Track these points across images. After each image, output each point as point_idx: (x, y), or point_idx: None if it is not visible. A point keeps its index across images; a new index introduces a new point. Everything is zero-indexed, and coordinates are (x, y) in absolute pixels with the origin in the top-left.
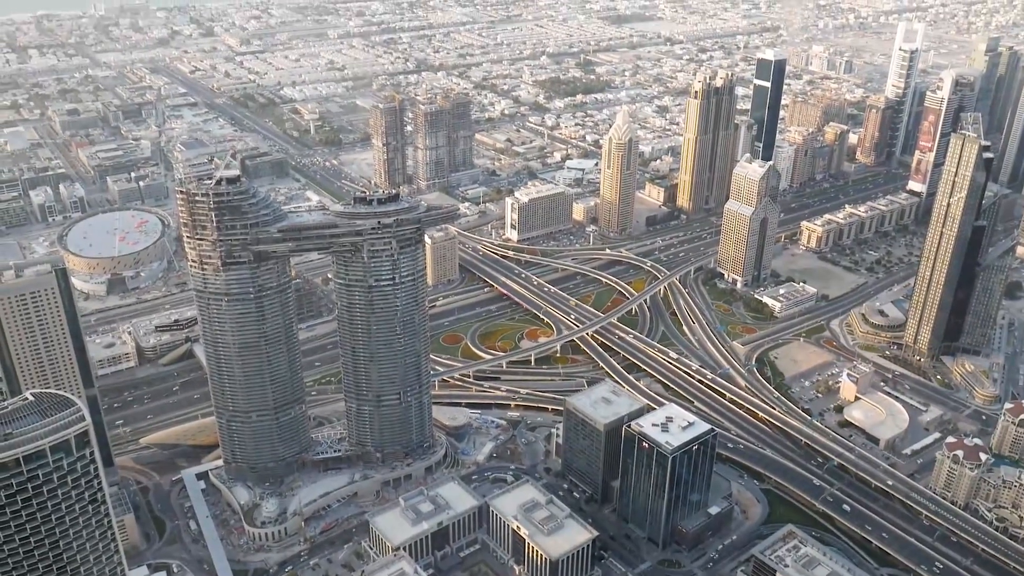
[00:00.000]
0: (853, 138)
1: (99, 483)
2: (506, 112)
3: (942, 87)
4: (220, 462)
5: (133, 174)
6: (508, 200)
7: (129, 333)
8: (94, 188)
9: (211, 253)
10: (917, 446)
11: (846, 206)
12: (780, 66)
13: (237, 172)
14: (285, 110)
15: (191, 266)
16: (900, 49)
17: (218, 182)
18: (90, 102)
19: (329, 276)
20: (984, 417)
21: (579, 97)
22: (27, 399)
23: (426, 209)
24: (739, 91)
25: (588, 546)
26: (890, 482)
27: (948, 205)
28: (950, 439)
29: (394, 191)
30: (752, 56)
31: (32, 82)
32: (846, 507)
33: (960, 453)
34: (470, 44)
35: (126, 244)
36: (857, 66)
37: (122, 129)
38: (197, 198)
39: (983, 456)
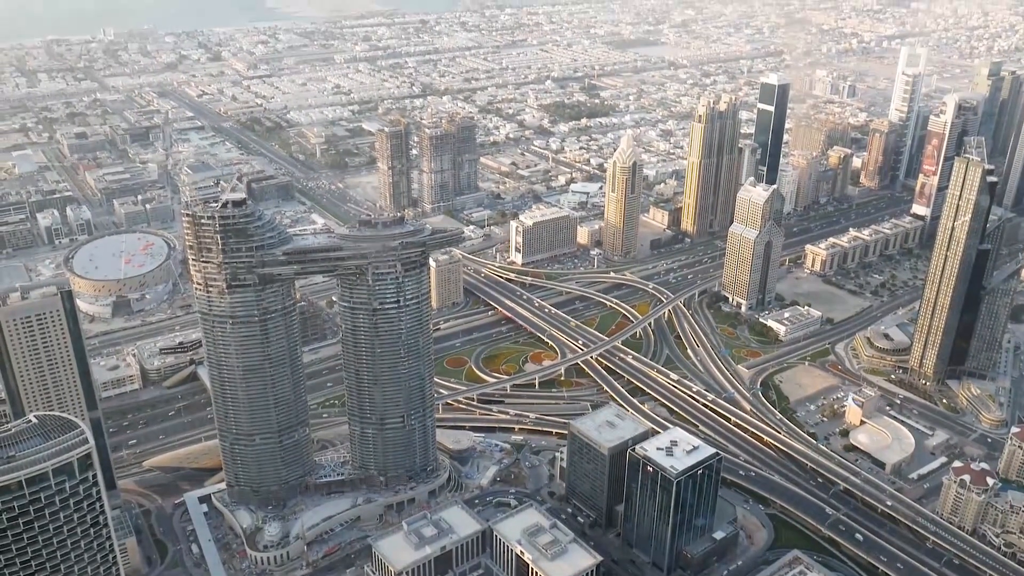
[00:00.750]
0: (857, 162)
1: (101, 506)
2: (511, 136)
3: (945, 111)
4: (223, 485)
5: (140, 197)
6: (513, 223)
7: (133, 355)
8: (101, 211)
9: (216, 276)
10: (923, 470)
11: (850, 230)
12: (784, 90)
13: (243, 195)
14: (291, 133)
15: (196, 288)
16: (903, 73)
17: (224, 205)
18: (98, 125)
19: (334, 299)
20: (990, 441)
21: (583, 121)
22: (30, 421)
23: (431, 232)
24: (743, 115)
25: (592, 571)
26: (897, 507)
27: (952, 229)
28: (957, 463)
29: (399, 214)
30: (756, 80)
31: (41, 106)
32: (858, 536)
33: (967, 478)
34: (475, 68)
35: (132, 266)
36: (860, 90)
37: (129, 152)
38: (203, 221)
39: (990, 481)
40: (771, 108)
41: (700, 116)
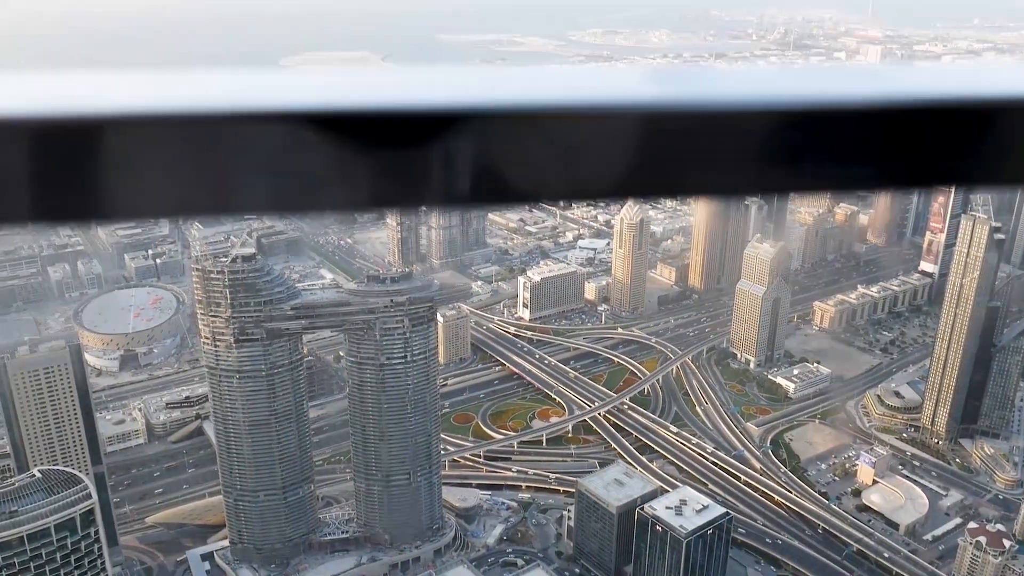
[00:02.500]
0: (864, 219)
1: (103, 563)
2: None
3: None
4: (226, 542)
5: (150, 251)
6: (520, 279)
7: (140, 410)
8: (111, 265)
9: (224, 330)
10: (938, 531)
11: (858, 286)
12: None
13: (252, 250)
14: None
15: (204, 343)
16: None
17: (234, 260)
18: None
19: (341, 353)
20: (1004, 499)
21: None
22: (34, 476)
23: (439, 288)
24: None
25: None
26: (912, 569)
27: (961, 286)
28: (972, 525)
29: (407, 269)
30: None
31: None
32: None
33: (983, 539)
34: None
35: (140, 320)
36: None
37: None
38: (212, 275)
39: (1007, 543)
40: None
41: None
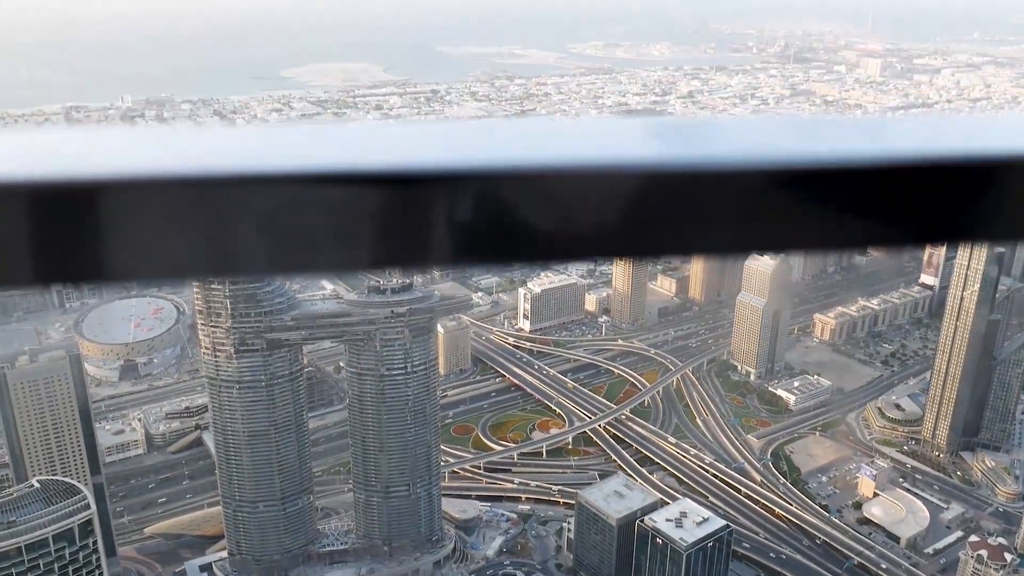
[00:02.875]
0: None
1: (101, 574)
2: None
3: None
4: (224, 554)
5: None
6: (521, 290)
7: (139, 420)
8: None
9: (224, 340)
10: (939, 545)
11: (859, 299)
12: None
13: None
14: None
15: (204, 353)
16: None
17: None
18: None
19: (341, 364)
20: (1005, 512)
21: None
22: (33, 486)
23: (439, 299)
24: None
25: None
26: None
27: (961, 299)
28: (973, 538)
29: (407, 281)
30: None
31: None
32: None
33: (984, 553)
34: None
35: (141, 330)
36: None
37: None
38: (213, 285)
39: (1008, 556)
40: None
41: None
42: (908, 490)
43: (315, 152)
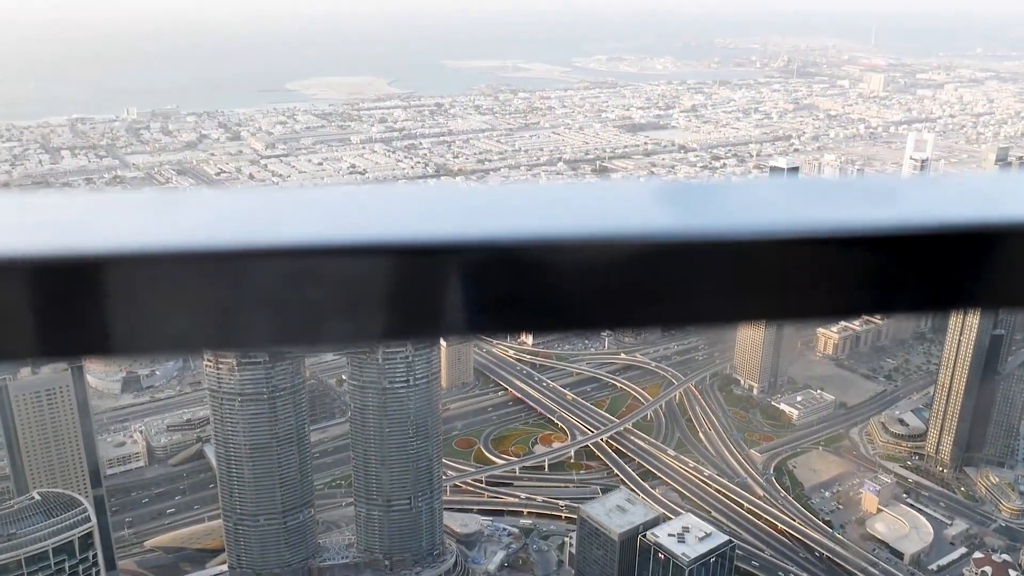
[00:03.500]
0: None
1: None
2: None
3: None
4: (225, 567)
5: None
6: None
7: (140, 432)
8: None
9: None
10: (943, 561)
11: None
12: (793, 174)
13: None
14: None
15: (206, 365)
16: (911, 158)
17: None
18: None
19: (343, 377)
20: (1009, 529)
21: None
22: (33, 498)
23: None
24: None
25: None
26: None
27: (965, 314)
28: (977, 554)
29: None
30: (765, 164)
31: (62, 181)
32: None
33: (988, 569)
34: (488, 150)
35: None
36: (868, 174)
37: None
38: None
39: (1013, 573)
40: None
41: None
42: (912, 506)
43: (321, 222)
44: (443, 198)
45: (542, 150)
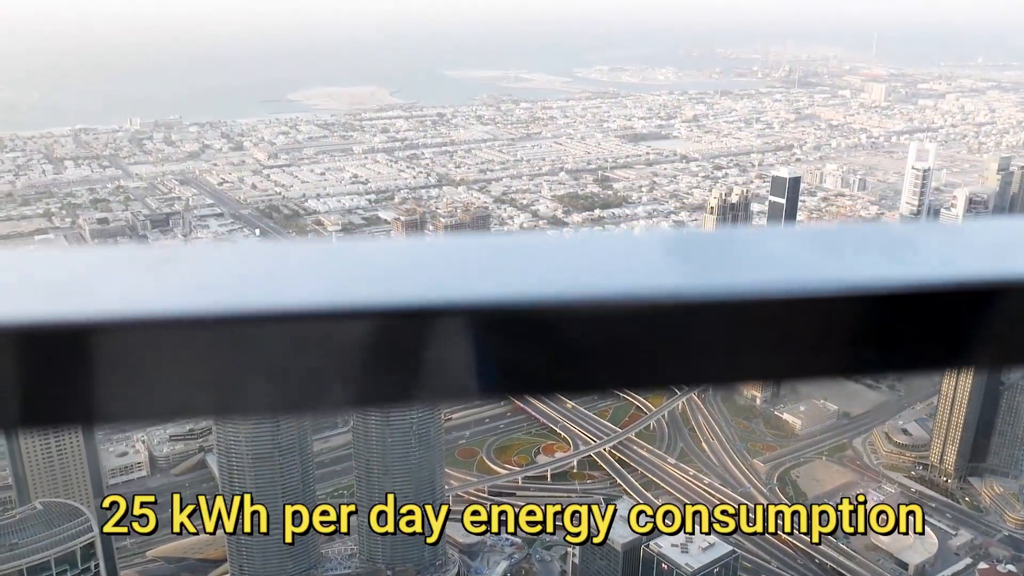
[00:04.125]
0: None
1: None
2: (525, 226)
3: (956, 204)
4: None
5: None
6: None
7: (143, 442)
8: None
9: None
10: (948, 572)
11: None
12: (795, 183)
13: None
14: (309, 221)
15: None
16: (913, 168)
17: None
18: (120, 211)
19: None
20: (1014, 539)
21: (597, 212)
22: (35, 508)
23: None
24: (754, 207)
25: None
26: None
27: None
28: (982, 565)
29: None
30: (767, 173)
31: (65, 192)
32: None
33: None
34: (490, 160)
35: None
36: (871, 184)
37: (149, 238)
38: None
39: None
40: (782, 200)
41: (712, 208)
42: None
43: (320, 282)
44: (441, 255)
45: (544, 160)
